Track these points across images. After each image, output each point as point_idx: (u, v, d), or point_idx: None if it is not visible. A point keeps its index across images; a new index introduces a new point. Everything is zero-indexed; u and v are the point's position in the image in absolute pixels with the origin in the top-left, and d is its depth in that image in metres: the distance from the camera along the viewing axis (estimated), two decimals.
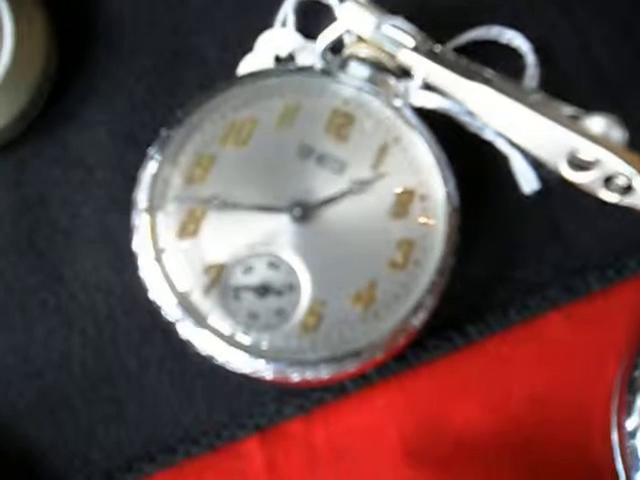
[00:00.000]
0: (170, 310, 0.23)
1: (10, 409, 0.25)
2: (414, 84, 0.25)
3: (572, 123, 0.22)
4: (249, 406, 0.25)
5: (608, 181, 0.22)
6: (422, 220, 0.23)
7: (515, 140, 0.23)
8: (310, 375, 0.22)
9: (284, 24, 0.27)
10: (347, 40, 0.26)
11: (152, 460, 0.24)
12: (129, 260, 0.24)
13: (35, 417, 0.25)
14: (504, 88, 0.23)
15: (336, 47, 0.26)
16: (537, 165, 0.25)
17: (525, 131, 0.23)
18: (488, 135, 0.25)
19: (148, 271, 0.23)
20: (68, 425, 0.25)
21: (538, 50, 0.26)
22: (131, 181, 0.24)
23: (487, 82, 0.23)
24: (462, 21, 0.27)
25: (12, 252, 0.26)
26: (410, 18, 0.25)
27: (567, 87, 0.26)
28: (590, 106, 0.25)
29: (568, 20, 0.27)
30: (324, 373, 0.22)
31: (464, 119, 0.25)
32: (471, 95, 0.23)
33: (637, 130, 0.24)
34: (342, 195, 0.23)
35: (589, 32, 0.27)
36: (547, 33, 0.27)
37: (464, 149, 0.25)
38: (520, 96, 0.23)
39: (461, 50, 0.27)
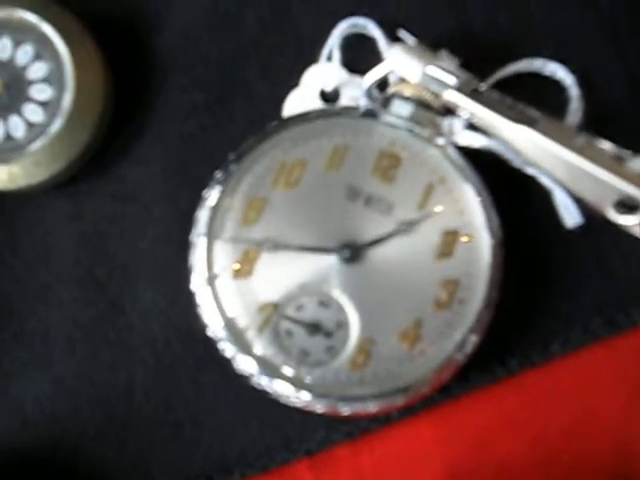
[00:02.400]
0: (225, 346, 0.24)
1: (79, 431, 0.27)
2: (458, 123, 0.25)
3: (617, 166, 0.22)
4: (300, 432, 0.26)
5: None
6: (466, 259, 0.24)
7: (559, 181, 0.24)
8: (358, 409, 0.24)
9: (330, 58, 0.28)
10: (392, 78, 0.26)
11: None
12: (186, 294, 0.25)
13: (101, 439, 0.26)
14: (549, 130, 0.23)
15: (382, 84, 0.27)
16: (580, 200, 0.26)
17: (570, 174, 0.23)
18: (531, 171, 0.26)
19: (205, 308, 0.24)
20: (131, 446, 0.26)
21: (582, 83, 0.26)
22: (185, 217, 0.26)
23: (532, 123, 0.23)
24: (506, 53, 0.27)
25: (74, 285, 0.27)
26: (453, 50, 0.26)
27: (613, 121, 0.26)
28: (637, 141, 0.25)
29: (614, 50, 0.27)
30: (372, 407, 0.24)
31: (508, 156, 0.26)
32: (515, 136, 0.24)
33: None
34: (389, 236, 0.24)
35: (636, 63, 0.27)
36: (592, 65, 0.27)
37: (507, 183, 0.26)
38: (566, 139, 0.23)
39: (504, 83, 0.27)
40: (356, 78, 0.28)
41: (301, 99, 0.28)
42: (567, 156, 0.23)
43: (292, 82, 0.28)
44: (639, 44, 0.27)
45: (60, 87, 0.26)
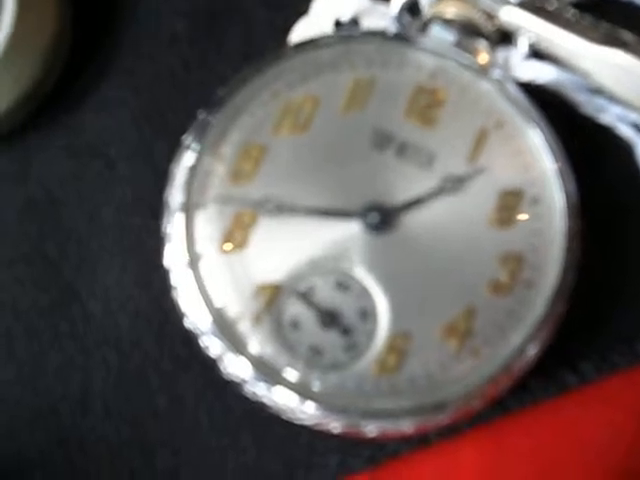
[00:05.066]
0: (210, 341, 0.18)
1: (19, 453, 0.21)
2: (519, 52, 0.20)
3: None
4: (307, 456, 0.20)
5: None
6: (533, 228, 0.19)
7: None
8: (388, 428, 0.18)
9: None
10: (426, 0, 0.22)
11: None
12: (160, 274, 0.20)
13: (47, 465, 0.21)
14: None
15: (413, 9, 0.22)
16: None
17: None
18: (608, 118, 0.21)
19: (183, 292, 0.19)
20: (87, 475, 0.21)
21: None
22: (161, 176, 0.20)
23: (624, 46, 0.18)
24: None
25: (18, 264, 0.22)
26: None
27: None
28: None
29: None
30: (407, 426, 0.18)
31: (580, 98, 0.20)
32: (600, 64, 0.18)
33: None
34: (429, 196, 0.19)
35: None
36: None
37: (577, 136, 0.20)
38: None
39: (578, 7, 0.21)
40: (380, 5, 0.23)
41: (310, 30, 0.23)
42: None
43: (299, 10, 0.23)
44: None
45: None
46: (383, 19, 0.22)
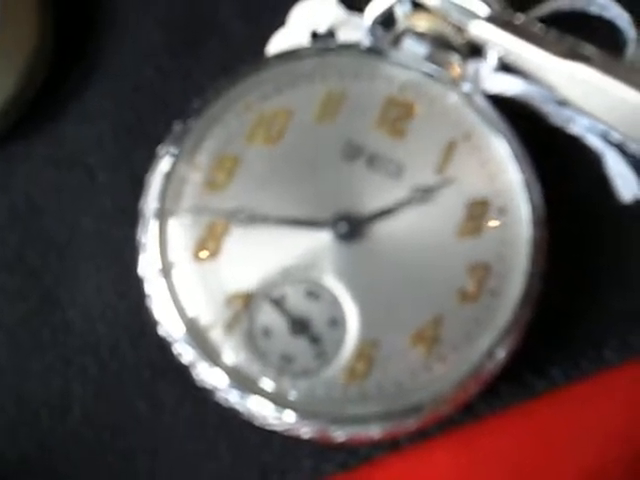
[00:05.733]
0: (183, 350, 0.19)
1: (0, 457, 0.21)
2: (487, 65, 0.20)
3: None
4: (281, 461, 0.21)
5: None
6: (499, 238, 0.19)
7: (622, 133, 0.19)
8: (357, 434, 0.18)
9: None
10: (400, 12, 0.22)
11: None
12: (138, 283, 0.20)
13: (27, 470, 0.21)
14: (609, 67, 0.18)
15: (387, 22, 0.22)
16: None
17: (634, 123, 0.18)
18: (577, 129, 0.21)
19: (156, 299, 0.19)
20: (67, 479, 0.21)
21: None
22: (140, 186, 0.21)
23: (586, 60, 0.18)
24: None
25: None
26: None
27: None
28: None
29: None
30: (375, 431, 0.18)
31: (548, 109, 0.21)
32: (564, 77, 0.18)
33: None
34: (398, 206, 0.19)
35: None
36: None
37: (545, 147, 0.21)
38: (629, 78, 0.18)
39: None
40: (356, 17, 0.23)
41: (287, 42, 0.23)
42: (634, 98, 0.18)
43: (276, 21, 0.23)
44: None
45: None
46: (358, 31, 0.23)
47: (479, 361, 0.18)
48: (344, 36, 0.23)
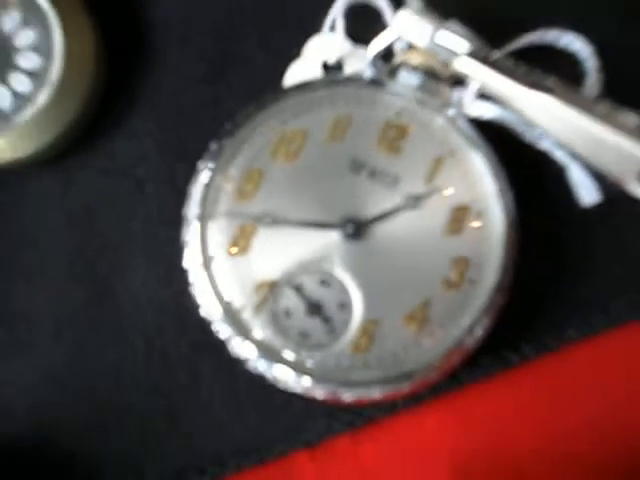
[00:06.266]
0: (220, 327, 0.23)
1: (63, 421, 0.25)
2: (469, 93, 0.24)
3: None
4: (299, 421, 0.25)
5: None
6: (478, 237, 0.23)
7: (578, 153, 0.22)
8: (361, 395, 0.22)
9: (333, 29, 0.27)
10: (397, 47, 0.25)
11: (202, 473, 0.25)
12: (179, 275, 0.24)
13: (88, 429, 0.25)
14: (568, 97, 0.22)
15: (386, 54, 0.25)
16: (598, 175, 0.24)
17: (589, 144, 0.22)
18: (545, 145, 0.25)
19: (198, 287, 0.23)
20: (119, 437, 0.25)
21: (599, 54, 0.25)
22: (180, 194, 0.24)
23: (549, 91, 0.22)
24: (518, 24, 0.26)
25: (61, 265, 0.26)
26: (464, 22, 0.24)
27: (633, 95, 0.24)
28: None
29: (633, 20, 0.26)
30: (375, 393, 0.22)
31: (520, 129, 0.24)
32: (531, 105, 0.22)
33: None
34: (395, 211, 0.23)
35: None
36: (609, 35, 0.25)
37: (518, 158, 0.24)
38: (585, 106, 0.22)
39: (516, 56, 0.25)
40: (360, 50, 0.26)
41: (302, 71, 0.26)
42: (587, 125, 0.22)
43: (293, 54, 0.27)
44: None
45: (48, 56, 0.25)
46: (362, 61, 0.26)
47: (461, 337, 0.22)
48: (350, 66, 0.27)
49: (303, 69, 0.27)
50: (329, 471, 0.24)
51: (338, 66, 0.27)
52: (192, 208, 0.23)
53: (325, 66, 0.27)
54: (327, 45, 0.27)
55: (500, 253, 0.23)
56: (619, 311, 0.24)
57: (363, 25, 0.26)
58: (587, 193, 0.24)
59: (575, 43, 0.25)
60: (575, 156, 0.24)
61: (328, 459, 0.24)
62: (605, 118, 0.21)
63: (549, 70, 0.25)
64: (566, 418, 0.24)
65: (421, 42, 0.23)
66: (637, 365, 0.24)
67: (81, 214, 0.26)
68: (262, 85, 0.26)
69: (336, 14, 0.27)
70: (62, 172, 0.27)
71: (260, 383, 0.23)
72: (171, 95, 0.27)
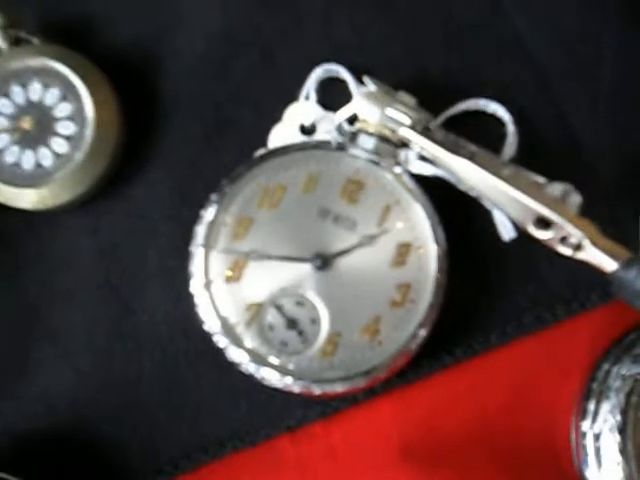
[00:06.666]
0: (219, 338, 0.29)
1: (96, 414, 0.31)
2: (412, 155, 0.30)
3: (537, 191, 0.27)
4: (281, 411, 0.30)
5: (564, 239, 0.27)
6: (417, 266, 0.29)
7: (492, 202, 0.28)
8: (328, 390, 0.28)
9: (308, 97, 0.32)
10: (359, 114, 0.31)
11: (206, 452, 0.30)
12: (187, 297, 0.29)
13: (115, 420, 0.31)
14: (484, 162, 0.28)
15: (352, 118, 0.31)
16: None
17: (500, 197, 0.28)
18: (474, 194, 0.30)
19: (202, 307, 0.29)
20: (140, 426, 0.30)
21: (518, 120, 0.31)
22: (186, 231, 0.30)
23: (470, 156, 0.28)
24: (456, 94, 0.32)
25: (93, 288, 0.31)
26: (411, 91, 0.30)
27: (540, 152, 0.31)
28: (561, 167, 0.30)
29: (546, 94, 0.32)
30: (339, 388, 0.28)
31: (453, 182, 0.30)
32: (457, 166, 0.28)
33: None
34: (354, 248, 0.29)
35: (565, 104, 0.31)
36: (526, 105, 0.31)
37: (454, 204, 0.30)
38: (497, 169, 0.28)
39: (454, 118, 0.31)
40: (330, 114, 0.32)
41: (283, 132, 0.32)
42: (497, 183, 0.27)
43: (276, 117, 0.32)
44: (568, 89, 0.32)
45: (82, 123, 0.31)
46: (332, 124, 0.32)
47: (405, 344, 0.28)
48: (322, 127, 0.32)
49: (284, 130, 0.32)
50: (306, 450, 0.30)
51: (312, 128, 0.32)
52: (198, 242, 0.29)
53: (302, 128, 0.32)
54: (303, 111, 0.32)
55: (434, 279, 0.28)
56: (530, 322, 0.30)
57: (333, 94, 0.32)
58: (506, 230, 0.30)
59: (499, 110, 0.31)
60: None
61: (305, 441, 0.30)
62: (510, 178, 0.27)
63: (480, 130, 0.30)
64: (488, 406, 0.29)
65: (373, 118, 0.29)
66: (543, 364, 0.29)
67: (108, 247, 0.32)
68: (251, 143, 0.32)
69: (310, 86, 0.32)
70: (93, 214, 0.32)
71: (250, 381, 0.29)
72: (179, 152, 0.32)
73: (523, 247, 0.30)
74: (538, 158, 0.30)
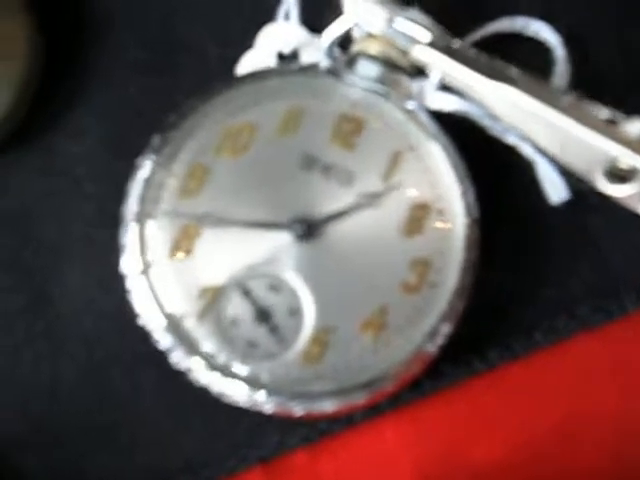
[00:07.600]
0: (161, 337, 0.21)
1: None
2: (430, 84, 0.23)
3: (609, 128, 0.20)
4: (250, 436, 0.23)
5: None
6: (438, 237, 0.22)
7: (543, 147, 0.21)
8: (314, 408, 0.21)
9: (287, 17, 0.26)
10: (356, 35, 0.24)
11: None
12: (120, 280, 0.23)
13: (22, 446, 0.24)
14: (532, 88, 0.21)
15: (344, 43, 0.24)
16: (567, 172, 0.24)
17: (555, 138, 0.21)
18: (511, 140, 0.24)
19: (136, 293, 0.22)
20: (57, 455, 0.24)
21: (569, 43, 0.24)
22: (122, 193, 0.23)
23: (512, 82, 0.21)
24: (483, 12, 0.25)
25: None
26: (425, 9, 0.24)
27: (602, 85, 0.24)
28: (628, 107, 0.23)
29: (604, 8, 0.25)
30: (329, 406, 0.21)
31: (484, 122, 0.23)
32: (494, 96, 0.21)
33: None
34: (350, 210, 0.22)
35: (628, 22, 0.25)
36: (579, 24, 0.25)
37: (484, 155, 0.24)
38: (550, 98, 0.21)
39: (481, 45, 0.24)
40: (317, 39, 0.25)
41: (256, 62, 0.25)
42: (552, 117, 0.20)
43: (246, 43, 0.26)
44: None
45: None
46: (320, 51, 0.25)
47: (420, 344, 0.21)
48: (307, 57, 0.26)
49: (257, 60, 0.25)
50: None
51: (294, 57, 0.26)
52: (130, 206, 0.22)
53: (280, 56, 0.25)
54: (281, 34, 0.25)
55: (462, 255, 0.21)
56: (587, 314, 0.23)
57: (320, 13, 0.25)
58: (555, 190, 0.24)
59: (543, 31, 0.24)
60: (541, 151, 0.23)
61: (283, 475, 0.23)
62: (571, 111, 0.20)
63: (515, 60, 0.23)
64: (532, 428, 0.23)
65: (377, 28, 0.22)
66: (605, 370, 0.23)
67: (16, 216, 0.25)
68: (212, 76, 0.25)
69: (290, 1, 0.25)
70: None
71: (207, 397, 0.22)
72: (113, 87, 0.26)
73: (578, 213, 0.24)
74: (597, 95, 0.23)
